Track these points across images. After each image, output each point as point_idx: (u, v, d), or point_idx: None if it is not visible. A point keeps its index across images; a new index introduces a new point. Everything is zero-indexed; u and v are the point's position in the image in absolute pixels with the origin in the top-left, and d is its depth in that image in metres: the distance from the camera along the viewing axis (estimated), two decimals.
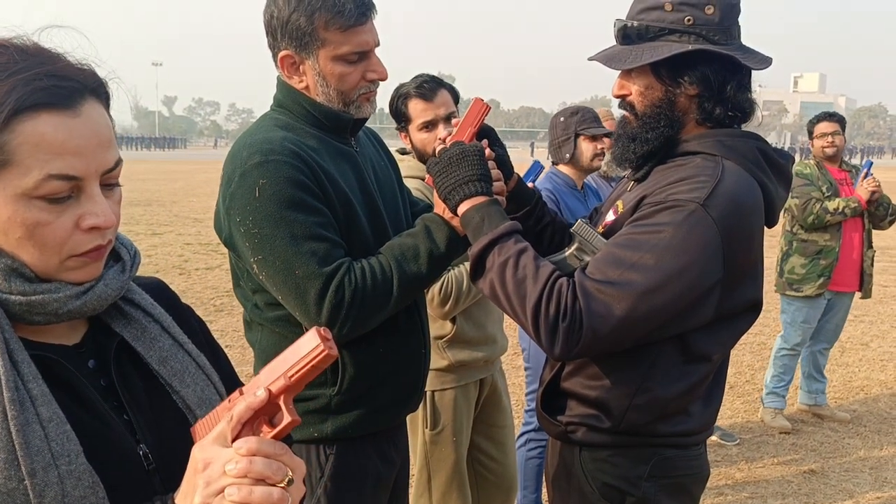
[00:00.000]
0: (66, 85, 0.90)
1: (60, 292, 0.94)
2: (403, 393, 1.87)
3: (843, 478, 4.15)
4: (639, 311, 1.43)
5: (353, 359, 1.73)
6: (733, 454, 4.42)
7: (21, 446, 0.84)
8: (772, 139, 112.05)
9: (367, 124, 1.94)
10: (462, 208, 1.59)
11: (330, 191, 1.66)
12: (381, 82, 1.79)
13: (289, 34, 1.67)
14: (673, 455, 1.63)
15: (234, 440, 0.85)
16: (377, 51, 1.76)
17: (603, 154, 3.45)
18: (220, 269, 9.35)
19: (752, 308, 1.60)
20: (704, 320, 1.51)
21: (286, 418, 0.87)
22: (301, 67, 1.72)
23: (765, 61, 1.58)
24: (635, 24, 1.57)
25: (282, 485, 0.83)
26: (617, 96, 1.65)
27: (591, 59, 1.64)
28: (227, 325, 6.72)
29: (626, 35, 1.59)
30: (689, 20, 1.52)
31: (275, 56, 1.73)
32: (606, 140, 3.42)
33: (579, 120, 3.46)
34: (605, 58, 1.61)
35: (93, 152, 0.91)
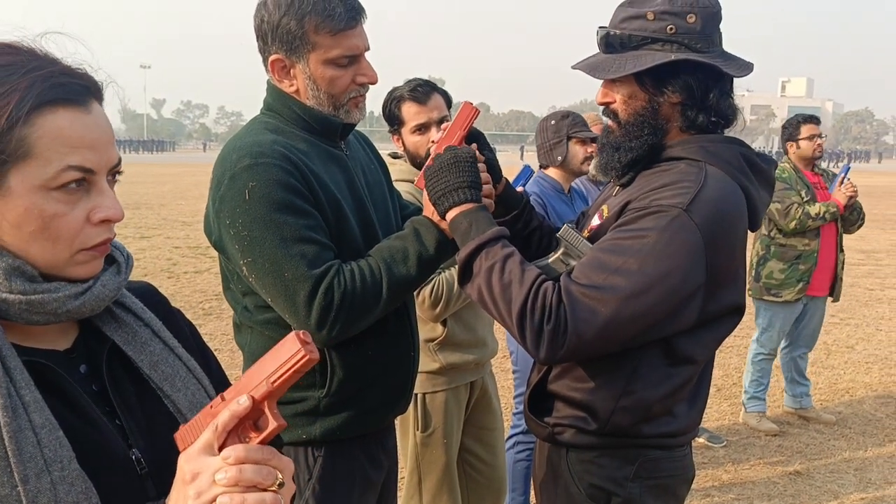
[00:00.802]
0: (79, 83, 0.94)
1: (60, 292, 0.95)
2: (392, 395, 1.88)
3: (828, 479, 4.20)
4: (623, 315, 1.45)
5: (342, 361, 1.74)
6: (720, 456, 4.46)
7: (14, 453, 0.85)
8: (759, 143, 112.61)
9: (359, 127, 1.96)
10: (450, 214, 1.62)
11: (320, 194, 1.67)
12: (371, 86, 1.80)
13: (279, 38, 1.68)
14: (658, 456, 1.65)
15: (220, 448, 0.86)
16: (367, 55, 1.77)
17: (592, 157, 3.48)
18: (209, 273, 9.32)
19: (735, 311, 1.62)
20: (687, 324, 1.53)
21: (271, 423, 0.88)
22: (291, 71, 1.73)
23: (746, 68, 1.60)
24: (618, 32, 1.59)
25: (273, 488, 0.84)
26: (601, 104, 1.67)
27: (574, 67, 1.66)
28: (216, 329, 6.71)
29: (609, 43, 1.60)
30: (671, 29, 1.54)
31: (265, 60, 1.74)
32: (595, 145, 3.46)
33: (570, 123, 3.48)
34: (589, 67, 1.63)
35: (103, 147, 0.95)
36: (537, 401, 1.75)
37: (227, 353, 5.94)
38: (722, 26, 1.61)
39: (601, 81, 1.66)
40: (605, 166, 1.68)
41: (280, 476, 0.85)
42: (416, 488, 2.65)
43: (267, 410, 0.88)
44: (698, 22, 1.54)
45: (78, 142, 0.92)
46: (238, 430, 0.87)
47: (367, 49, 1.76)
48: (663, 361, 1.58)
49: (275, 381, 0.86)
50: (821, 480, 4.17)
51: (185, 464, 0.86)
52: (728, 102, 1.61)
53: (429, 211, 1.72)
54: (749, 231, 1.64)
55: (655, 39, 1.56)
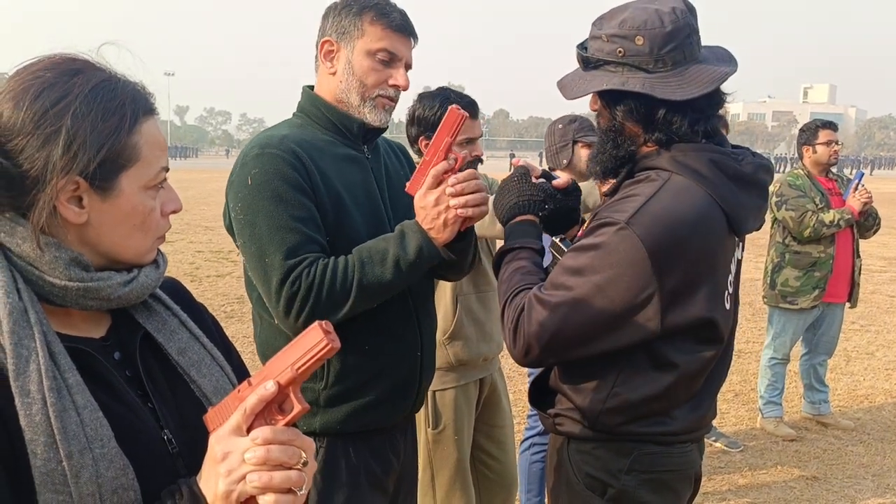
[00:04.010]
0: (150, 95, 1.07)
1: (112, 280, 1.04)
2: (394, 393, 1.90)
3: (845, 484, 4.19)
4: (568, 323, 1.57)
5: (339, 355, 1.75)
6: (737, 461, 4.46)
7: (59, 430, 0.92)
8: (781, 150, 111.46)
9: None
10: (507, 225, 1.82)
11: (321, 188, 1.76)
12: (400, 96, 1.92)
13: (336, 22, 1.85)
14: (654, 451, 1.69)
15: (248, 430, 0.93)
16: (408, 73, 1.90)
17: None
18: (231, 277, 9.45)
19: (706, 325, 1.62)
20: (649, 332, 1.57)
21: (297, 407, 0.95)
22: (336, 55, 1.86)
23: (708, 84, 1.57)
24: (583, 52, 1.66)
25: (297, 466, 0.91)
26: (592, 110, 1.75)
27: (556, 83, 1.73)
28: (238, 332, 6.81)
29: (581, 60, 1.68)
30: (620, 52, 1.59)
31: (317, 45, 1.90)
32: None
33: (577, 128, 3.56)
34: (561, 85, 1.71)
35: (166, 151, 1.09)
36: (542, 393, 1.83)
37: (249, 356, 6.01)
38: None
39: None
40: (589, 171, 1.80)
41: (304, 455, 0.92)
42: (430, 485, 2.71)
43: (292, 395, 0.95)
44: (646, 44, 1.57)
45: (163, 145, 1.06)
46: (264, 413, 0.94)
47: (409, 65, 1.89)
48: (647, 366, 1.63)
49: (299, 368, 0.93)
50: (838, 486, 4.17)
51: (215, 444, 0.93)
52: (680, 122, 1.61)
53: (420, 217, 1.75)
54: (735, 236, 1.67)
55: (608, 61, 1.61)
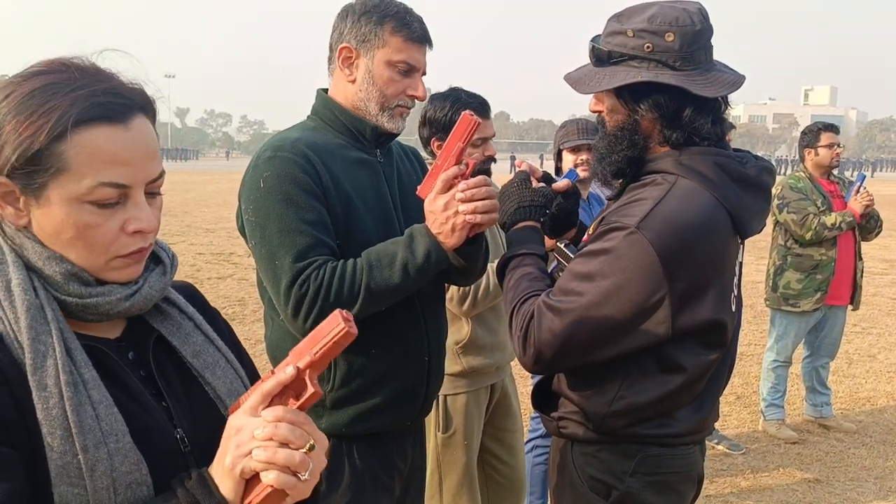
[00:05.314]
0: (120, 101, 0.98)
1: (112, 295, 1.03)
2: (400, 398, 1.90)
3: (847, 487, 4.19)
4: (580, 329, 1.56)
5: (344, 356, 1.79)
6: (739, 463, 4.46)
7: (75, 424, 0.93)
8: (782, 152, 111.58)
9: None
10: (511, 230, 1.82)
11: (332, 190, 1.77)
12: (415, 104, 1.94)
13: (356, 29, 1.84)
14: (658, 453, 1.69)
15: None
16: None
17: (585, 164, 3.42)
18: (232, 279, 9.45)
19: (716, 326, 1.63)
20: (660, 335, 1.57)
21: (309, 390, 0.96)
22: (355, 62, 1.86)
23: (729, 86, 1.59)
24: (602, 47, 1.64)
25: (304, 450, 0.91)
26: (593, 111, 1.74)
27: (564, 78, 1.71)
28: (239, 334, 6.73)
29: (597, 56, 1.66)
30: (648, 47, 1.57)
31: (334, 48, 1.89)
32: (585, 152, 3.46)
33: (562, 134, 3.58)
34: (573, 80, 1.69)
35: (140, 163, 0.99)
36: (545, 396, 1.83)
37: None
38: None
39: None
40: (593, 173, 1.78)
41: (312, 441, 0.92)
42: (437, 488, 2.71)
43: (308, 380, 0.96)
44: (676, 41, 1.56)
45: (112, 158, 0.96)
46: (281, 398, 0.95)
47: (425, 73, 1.91)
48: (654, 368, 1.63)
49: (317, 353, 0.95)
50: (840, 489, 4.16)
51: (231, 421, 0.95)
52: (704, 120, 1.61)
53: (429, 221, 1.76)
54: (741, 239, 1.67)
55: (633, 56, 1.59)
